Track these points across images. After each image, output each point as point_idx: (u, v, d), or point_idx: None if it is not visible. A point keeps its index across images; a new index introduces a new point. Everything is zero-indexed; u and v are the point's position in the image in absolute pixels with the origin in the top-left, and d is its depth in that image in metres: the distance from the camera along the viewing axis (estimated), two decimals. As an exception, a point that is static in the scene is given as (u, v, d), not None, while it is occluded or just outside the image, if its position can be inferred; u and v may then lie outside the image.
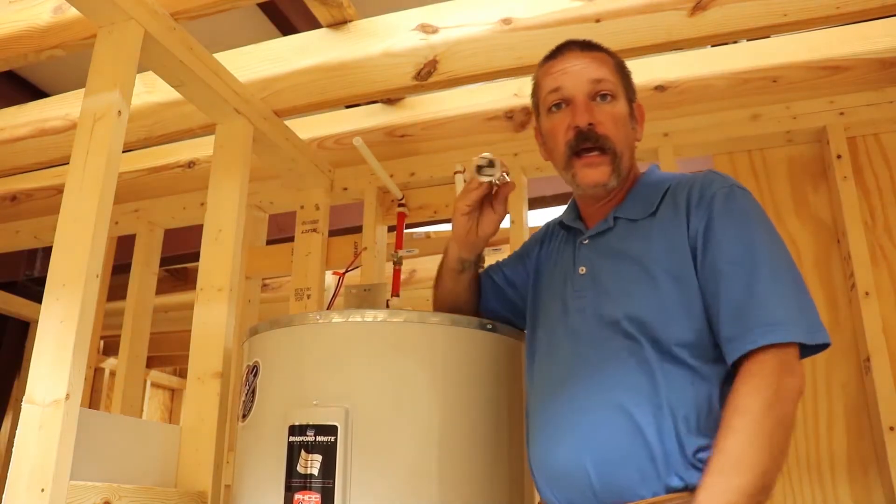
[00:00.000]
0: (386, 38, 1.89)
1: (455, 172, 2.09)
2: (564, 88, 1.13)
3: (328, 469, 1.08)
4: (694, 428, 0.94)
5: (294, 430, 1.12)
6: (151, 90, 2.09)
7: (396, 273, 2.00)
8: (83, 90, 1.44)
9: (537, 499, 1.14)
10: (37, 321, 1.30)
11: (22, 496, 1.15)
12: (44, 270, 2.79)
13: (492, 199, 1.20)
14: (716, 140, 2.04)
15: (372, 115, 2.29)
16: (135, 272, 2.58)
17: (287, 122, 2.09)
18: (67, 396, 1.20)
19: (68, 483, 1.18)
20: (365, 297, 1.48)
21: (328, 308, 1.46)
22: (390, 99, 2.23)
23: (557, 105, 1.14)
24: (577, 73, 1.12)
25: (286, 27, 2.56)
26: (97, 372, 4.33)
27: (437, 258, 1.35)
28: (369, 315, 1.18)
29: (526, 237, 1.88)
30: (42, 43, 1.74)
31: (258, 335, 1.28)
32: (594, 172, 1.10)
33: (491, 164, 1.15)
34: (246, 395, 1.26)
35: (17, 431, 1.20)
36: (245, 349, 1.33)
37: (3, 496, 1.16)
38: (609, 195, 1.14)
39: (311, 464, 1.09)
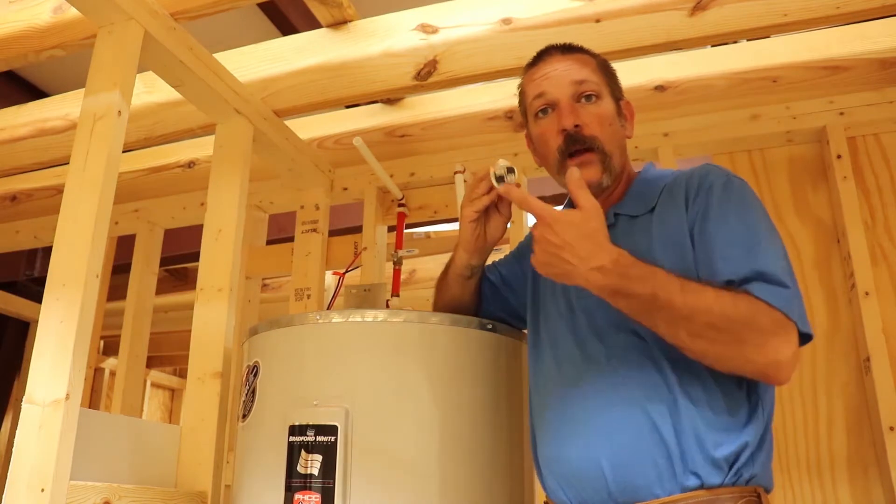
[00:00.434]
0: (386, 38, 1.89)
1: (455, 172, 2.09)
2: (548, 93, 1.13)
3: (328, 469, 1.08)
4: (712, 423, 0.94)
5: (294, 430, 1.12)
6: (151, 90, 2.09)
7: (396, 273, 2.00)
8: (83, 90, 1.44)
9: (542, 499, 1.14)
10: (37, 321, 1.30)
11: (22, 496, 1.15)
12: (44, 270, 2.79)
13: (498, 202, 1.19)
14: (716, 140, 2.04)
15: (372, 115, 2.29)
16: (135, 272, 2.58)
17: (287, 122, 2.09)
18: (67, 396, 1.20)
19: (68, 483, 1.18)
20: (365, 297, 1.48)
21: (328, 308, 1.46)
22: (390, 99, 2.23)
23: (544, 110, 1.15)
24: (560, 77, 1.13)
25: (286, 27, 2.56)
26: (97, 372, 4.33)
27: (438, 258, 1.35)
28: (369, 315, 1.18)
29: (526, 237, 1.88)
30: (42, 43, 1.74)
31: (258, 335, 1.28)
32: (586, 172, 1.10)
33: (510, 171, 1.12)
34: (246, 395, 1.26)
35: (17, 431, 1.20)
36: (245, 349, 1.33)
37: (3, 496, 1.16)
38: (603, 194, 1.15)
39: (311, 464, 1.09)
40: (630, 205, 1.12)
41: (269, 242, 2.60)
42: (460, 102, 2.20)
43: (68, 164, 1.40)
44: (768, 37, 1.90)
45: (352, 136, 2.02)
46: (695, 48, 1.89)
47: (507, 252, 1.44)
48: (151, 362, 5.14)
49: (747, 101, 2.00)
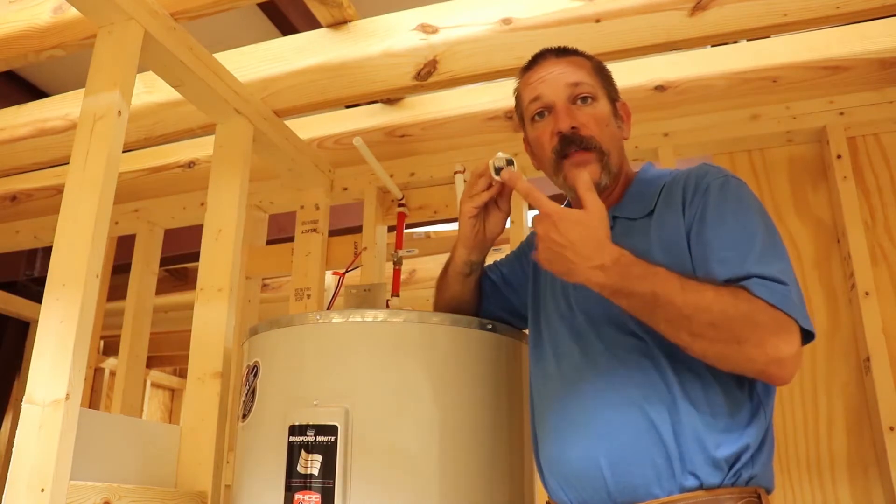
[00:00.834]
0: (386, 38, 1.89)
1: (455, 172, 2.09)
2: (544, 96, 1.14)
3: (328, 469, 1.08)
4: (712, 424, 0.94)
5: (294, 430, 1.12)
6: (151, 90, 2.09)
7: (396, 273, 2.00)
8: (83, 90, 1.44)
9: (543, 498, 1.14)
10: (37, 321, 1.30)
11: (22, 496, 1.15)
12: (44, 270, 2.79)
13: (497, 197, 1.20)
14: (716, 140, 2.04)
15: (372, 115, 2.29)
16: (135, 272, 2.58)
17: (287, 122, 2.09)
18: (67, 396, 1.20)
19: (68, 483, 1.18)
20: (365, 297, 1.48)
21: (328, 308, 1.46)
22: (390, 99, 2.23)
23: (540, 114, 1.15)
24: (555, 80, 1.13)
25: (286, 27, 2.56)
26: (97, 372, 4.33)
27: (438, 258, 1.35)
28: (369, 315, 1.18)
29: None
30: (42, 43, 1.74)
31: (258, 335, 1.28)
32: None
33: (510, 163, 1.13)
34: (246, 395, 1.26)
35: (17, 431, 1.20)
36: (245, 349, 1.33)
37: (3, 496, 1.16)
38: (602, 195, 1.15)
39: (312, 464, 1.09)
40: (628, 207, 1.12)
41: (269, 242, 2.60)
42: (460, 102, 2.20)
43: (68, 164, 1.40)
44: (768, 37, 1.90)
45: (352, 136, 2.02)
46: (695, 48, 1.89)
47: (508, 252, 1.44)
48: (151, 362, 5.14)
49: (747, 101, 2.00)
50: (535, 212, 1.00)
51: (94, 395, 4.29)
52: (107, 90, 1.42)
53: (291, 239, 2.34)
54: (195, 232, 1.92)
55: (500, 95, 2.16)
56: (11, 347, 3.55)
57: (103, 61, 1.46)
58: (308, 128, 2.32)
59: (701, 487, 0.92)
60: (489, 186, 1.17)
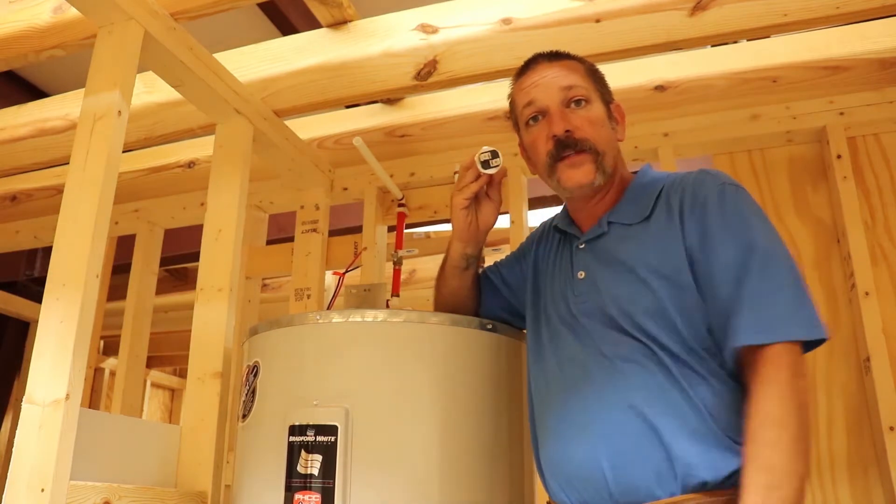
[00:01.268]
0: (386, 38, 1.89)
1: (455, 172, 2.09)
2: (538, 100, 1.14)
3: (328, 469, 1.08)
4: (713, 426, 0.94)
5: (294, 430, 1.12)
6: (151, 90, 2.09)
7: (396, 273, 2.00)
8: (83, 90, 1.44)
9: (543, 499, 1.14)
10: (37, 321, 1.30)
11: (22, 496, 1.15)
12: (44, 270, 2.79)
13: (487, 188, 1.22)
14: (716, 140, 2.04)
15: (372, 115, 2.29)
16: (135, 272, 2.58)
17: (287, 122, 2.09)
18: (67, 396, 1.20)
19: (68, 483, 1.18)
20: (365, 297, 1.48)
21: (328, 308, 1.46)
22: (390, 99, 2.23)
23: (534, 118, 1.15)
24: (548, 84, 1.14)
25: (286, 27, 2.56)
26: (97, 372, 4.33)
27: (438, 258, 1.36)
28: (369, 315, 1.18)
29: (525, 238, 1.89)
30: (42, 43, 1.73)
31: (258, 335, 1.28)
32: (577, 173, 1.10)
33: (495, 155, 1.17)
34: (246, 395, 1.26)
35: (17, 431, 1.20)
36: (245, 349, 1.33)
37: (3, 496, 1.16)
38: (597, 195, 1.15)
39: (312, 464, 1.09)
40: (624, 211, 1.12)
41: (269, 242, 2.60)
42: (460, 102, 2.20)
43: (68, 164, 1.40)
44: (768, 37, 1.90)
45: (352, 136, 2.02)
46: (695, 48, 1.89)
47: (508, 253, 1.44)
48: (151, 362, 5.14)
49: (747, 101, 2.00)
50: (535, 212, 1.00)
51: (94, 395, 4.29)
52: (107, 90, 1.42)
53: (291, 239, 2.34)
54: (195, 232, 1.92)
55: (500, 95, 2.16)
56: (11, 347, 3.55)
57: (103, 61, 1.46)
58: (308, 128, 2.32)
59: (702, 488, 0.92)
60: (477, 178, 1.19)
